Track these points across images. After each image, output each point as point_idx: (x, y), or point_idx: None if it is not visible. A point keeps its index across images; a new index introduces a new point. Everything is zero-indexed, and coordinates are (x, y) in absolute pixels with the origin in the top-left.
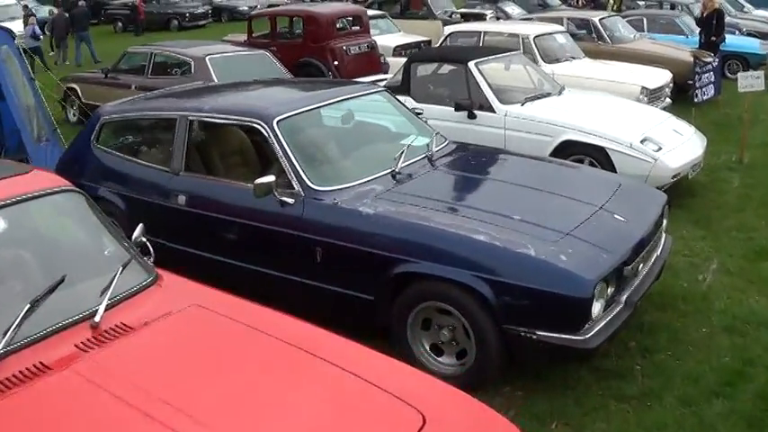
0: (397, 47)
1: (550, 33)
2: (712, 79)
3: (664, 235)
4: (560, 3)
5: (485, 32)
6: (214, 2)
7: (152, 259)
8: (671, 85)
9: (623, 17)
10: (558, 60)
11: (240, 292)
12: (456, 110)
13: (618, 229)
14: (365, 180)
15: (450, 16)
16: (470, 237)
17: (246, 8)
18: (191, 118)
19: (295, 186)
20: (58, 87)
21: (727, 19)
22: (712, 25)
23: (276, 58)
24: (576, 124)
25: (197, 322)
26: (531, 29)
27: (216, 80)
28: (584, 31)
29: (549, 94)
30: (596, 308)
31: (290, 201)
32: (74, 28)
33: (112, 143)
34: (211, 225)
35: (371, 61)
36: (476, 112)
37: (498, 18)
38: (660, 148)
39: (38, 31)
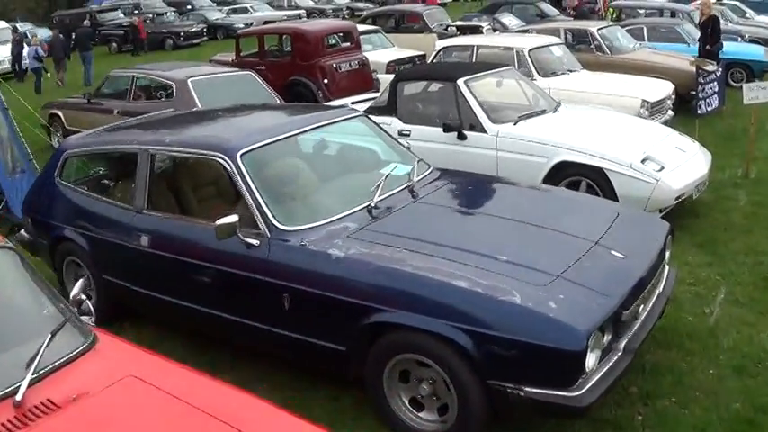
0: (390, 62)
1: (546, 46)
2: (716, 89)
3: (667, 268)
4: (559, 13)
5: (478, 46)
6: (209, 20)
7: (93, 319)
8: (673, 96)
9: (623, 26)
10: (554, 74)
11: (207, 339)
12: (445, 131)
13: (615, 268)
14: (338, 217)
15: (446, 29)
16: (449, 283)
17: (242, 26)
18: (152, 152)
19: (260, 226)
20: (42, 113)
21: (730, 26)
22: (708, 33)
23: (265, 77)
24: (572, 144)
25: (129, 398)
26: (525, 42)
27: (198, 104)
28: (582, 43)
29: (543, 112)
30: (590, 360)
31: (255, 242)
32: (78, 48)
33: (76, 179)
34: (175, 268)
35: (363, 78)
36: (466, 132)
37: (495, 30)
38: (662, 168)
39: (40, 51)
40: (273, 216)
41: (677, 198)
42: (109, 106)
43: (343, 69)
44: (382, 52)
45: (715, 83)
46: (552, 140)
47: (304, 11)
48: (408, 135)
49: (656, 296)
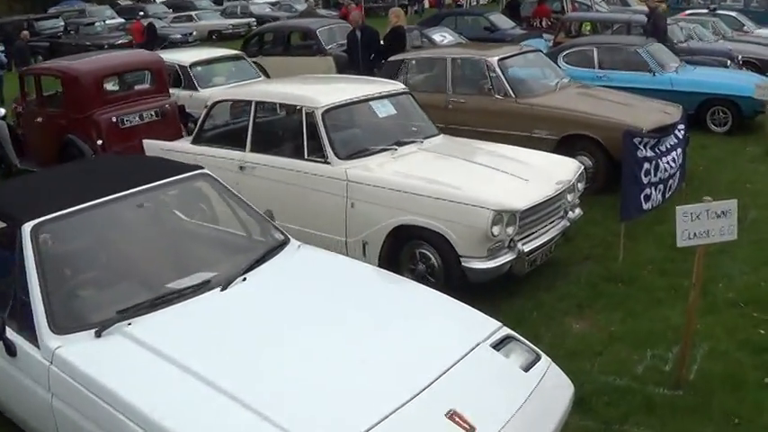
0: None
1: (362, 101)
2: (679, 161)
3: None
4: (515, 25)
5: (258, 103)
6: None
7: None
8: (580, 185)
9: (568, 48)
10: (366, 152)
11: None
12: None
13: None
14: None
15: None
16: None
17: (180, 36)
18: None
19: None
20: None
21: (719, 43)
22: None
23: (45, 134)
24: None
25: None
26: (326, 95)
27: None
28: (480, 79)
29: (202, 286)
30: None
31: None
32: (16, 63)
33: None
34: None
35: (165, 133)
36: (14, 341)
37: (420, 47)
38: None
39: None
40: None
41: None
42: None
43: (128, 123)
44: (230, 88)
45: (678, 151)
46: (136, 405)
47: (254, 19)
48: None
49: None
